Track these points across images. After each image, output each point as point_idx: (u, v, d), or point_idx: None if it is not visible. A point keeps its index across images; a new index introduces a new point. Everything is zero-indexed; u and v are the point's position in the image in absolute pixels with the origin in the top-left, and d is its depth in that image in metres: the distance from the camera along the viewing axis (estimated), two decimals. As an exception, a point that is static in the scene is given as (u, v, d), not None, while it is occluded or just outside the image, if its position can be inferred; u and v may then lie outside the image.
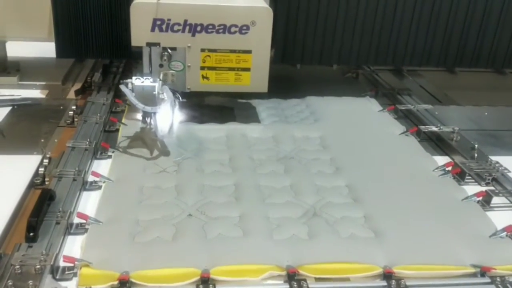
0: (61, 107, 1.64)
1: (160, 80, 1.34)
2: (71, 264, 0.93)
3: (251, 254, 0.99)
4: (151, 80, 1.28)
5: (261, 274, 0.95)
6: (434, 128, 1.61)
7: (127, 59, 1.95)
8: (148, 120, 1.35)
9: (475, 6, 1.81)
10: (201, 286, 0.88)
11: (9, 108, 1.61)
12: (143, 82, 1.27)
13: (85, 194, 1.19)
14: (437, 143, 1.57)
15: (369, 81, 2.11)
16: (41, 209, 1.02)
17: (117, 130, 1.51)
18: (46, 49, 1.84)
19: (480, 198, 1.23)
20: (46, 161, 1.26)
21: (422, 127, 1.62)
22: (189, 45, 1.40)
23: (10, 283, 0.84)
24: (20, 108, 1.62)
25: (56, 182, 1.17)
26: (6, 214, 1.06)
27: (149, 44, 1.38)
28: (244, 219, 1.11)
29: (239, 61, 1.44)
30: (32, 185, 1.19)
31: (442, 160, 1.44)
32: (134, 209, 1.11)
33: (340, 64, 2.02)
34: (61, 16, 1.66)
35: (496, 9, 1.83)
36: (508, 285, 0.94)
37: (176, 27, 1.38)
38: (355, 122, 1.66)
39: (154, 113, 1.28)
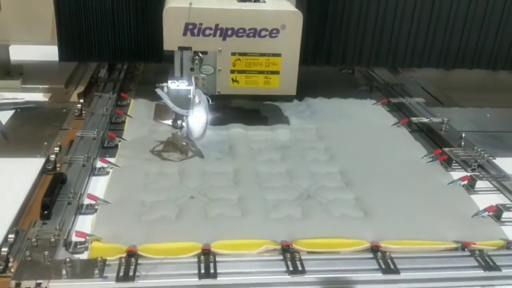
0: (64, 110, 1.66)
1: (194, 83, 1.36)
2: (83, 239, 1.01)
3: (249, 230, 1.07)
4: (186, 83, 1.31)
5: (258, 248, 1.02)
6: (424, 120, 1.68)
7: (129, 62, 2.01)
8: (179, 123, 1.38)
9: (476, 7, 1.84)
10: (202, 257, 0.95)
11: (12, 112, 1.62)
12: (178, 85, 1.30)
13: (93, 179, 1.27)
14: (427, 133, 1.65)
15: (365, 77, 2.19)
16: (54, 190, 1.10)
17: (123, 122, 1.59)
18: (49, 52, 1.86)
19: (465, 182, 1.31)
20: (57, 148, 1.34)
21: (413, 118, 1.69)
22: (220, 49, 1.44)
23: (28, 254, 0.92)
24: (23, 112, 1.63)
25: (67, 167, 1.26)
26: (22, 196, 1.14)
27: (181, 48, 1.42)
28: (242, 200, 1.19)
29: (268, 64, 1.47)
30: (44, 171, 1.27)
31: (431, 149, 1.52)
32: (140, 192, 1.19)
33: (340, 65, 2.03)
34: (63, 20, 1.69)
35: (498, 7, 1.85)
36: (486, 257, 1.01)
37: (207, 31, 1.42)
38: (349, 115, 1.74)
39: (187, 116, 1.31)
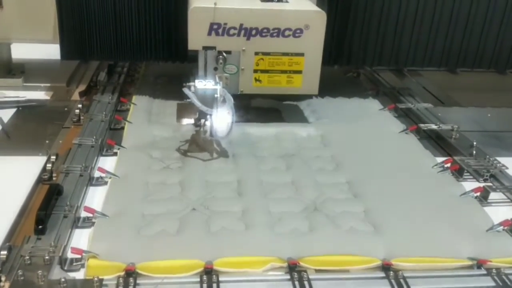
0: (66, 109, 1.65)
1: (219, 83, 1.35)
2: (79, 256, 0.96)
3: (253, 246, 1.02)
4: (213, 83, 1.32)
5: (263, 265, 0.97)
6: (433, 126, 1.63)
7: (131, 61, 1.97)
8: (202, 122, 1.39)
9: (477, 7, 1.81)
10: (204, 277, 0.90)
11: (14, 110, 1.62)
12: (205, 85, 1.30)
13: (91, 189, 1.22)
14: (437, 141, 1.59)
15: (370, 81, 2.14)
16: (49, 202, 1.06)
17: (122, 128, 1.54)
18: (51, 51, 1.84)
19: (478, 194, 1.26)
20: (53, 157, 1.29)
21: (421, 125, 1.64)
22: (243, 48, 1.45)
23: (20, 273, 0.87)
24: (25, 110, 1.64)
25: (63, 177, 1.21)
26: (15, 208, 1.09)
27: (206, 48, 1.42)
28: (246, 213, 1.14)
29: (291, 64, 1.48)
30: (40, 181, 1.22)
31: (441, 157, 1.47)
32: (140, 204, 1.14)
33: (342, 65, 1.99)
34: (65, 18, 1.67)
35: (501, 7, 1.83)
36: (504, 276, 0.96)
37: (232, 31, 1.42)
38: (356, 120, 1.68)
39: (210, 115, 1.31)
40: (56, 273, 0.90)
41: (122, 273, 0.92)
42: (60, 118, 1.58)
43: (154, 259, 0.96)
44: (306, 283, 0.90)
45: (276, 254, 0.99)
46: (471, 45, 1.87)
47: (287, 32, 1.45)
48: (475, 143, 1.49)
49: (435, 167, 1.40)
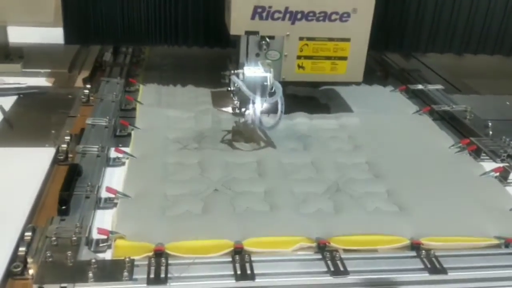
0: (70, 96, 1.57)
1: (271, 70, 1.28)
2: (105, 237, 0.93)
3: (280, 227, 1.00)
4: (262, 70, 1.26)
5: (292, 245, 0.96)
6: (446, 107, 1.62)
7: (140, 44, 1.91)
8: (248, 111, 1.32)
9: None
10: (237, 257, 0.89)
11: (15, 97, 1.52)
12: (254, 72, 1.25)
13: (108, 170, 1.19)
14: (450, 122, 1.59)
15: (378, 63, 2.12)
16: (71, 183, 1.03)
17: (133, 109, 1.51)
18: (49, 35, 1.78)
19: (498, 174, 1.25)
20: (67, 137, 1.26)
21: (434, 106, 1.63)
22: (288, 33, 1.38)
23: (49, 254, 0.85)
24: (27, 97, 1.55)
25: (80, 158, 1.18)
26: (34, 190, 1.07)
27: (248, 33, 1.36)
28: (269, 194, 1.12)
29: (336, 49, 1.42)
30: (55, 162, 1.19)
31: (456, 138, 1.46)
32: (161, 185, 1.12)
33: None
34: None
35: None
36: (532, 255, 0.96)
37: (276, 15, 1.36)
38: (368, 102, 1.67)
39: (254, 103, 1.26)
40: (85, 254, 0.88)
41: (151, 254, 0.90)
42: (64, 106, 1.50)
43: (182, 239, 0.94)
44: (338, 262, 0.89)
45: (302, 234, 0.98)
46: (475, 28, 1.84)
47: (333, 16, 1.38)
48: (490, 123, 1.48)
49: (452, 147, 1.39)
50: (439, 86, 1.82)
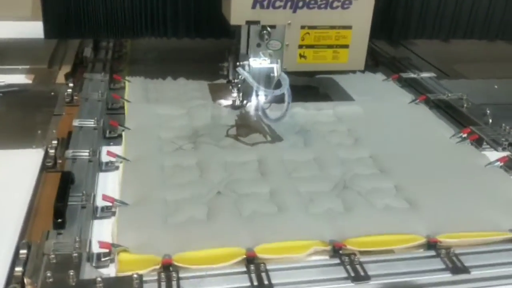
0: (52, 93, 1.48)
1: (278, 61, 1.25)
2: (107, 250, 0.87)
3: (291, 230, 0.95)
4: (269, 61, 1.22)
5: (306, 250, 0.91)
6: (443, 96, 1.59)
7: (124, 37, 1.80)
8: (249, 103, 1.29)
9: None
10: (252, 266, 0.83)
11: None
12: (260, 63, 1.21)
13: (102, 175, 1.12)
14: (447, 110, 1.56)
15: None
16: (66, 193, 0.95)
17: (121, 107, 1.43)
18: (23, 29, 1.69)
19: (502, 164, 1.23)
20: (55, 141, 1.18)
21: (429, 95, 1.61)
22: (289, 22, 1.36)
23: (49, 274, 0.78)
24: (7, 96, 1.45)
25: (71, 164, 1.10)
26: (24, 201, 0.99)
27: (249, 23, 1.31)
28: (274, 194, 1.07)
29: (338, 37, 1.41)
30: (44, 169, 1.11)
31: (455, 127, 1.43)
32: (160, 189, 1.05)
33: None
34: None
35: None
36: (551, 248, 0.93)
37: (277, 3, 1.33)
38: (363, 92, 1.63)
39: (257, 95, 1.22)
40: (88, 272, 0.81)
41: (158, 267, 0.84)
42: (47, 104, 1.41)
43: (189, 249, 0.89)
44: (358, 266, 0.85)
45: (315, 237, 0.94)
46: (463, 15, 1.85)
47: (335, 3, 1.37)
48: (488, 111, 1.46)
49: (452, 137, 1.36)
50: (431, 74, 1.79)
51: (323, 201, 1.05)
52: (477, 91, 1.69)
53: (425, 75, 1.77)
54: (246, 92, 1.25)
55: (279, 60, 1.23)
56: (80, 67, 1.72)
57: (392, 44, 2.13)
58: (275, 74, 1.20)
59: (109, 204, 0.99)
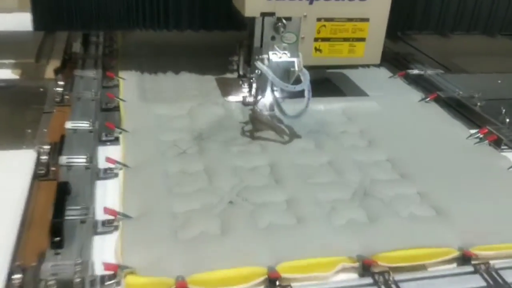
0: (41, 89, 1.38)
1: (300, 54, 1.18)
2: (112, 272, 0.77)
3: (315, 244, 0.87)
4: (289, 55, 1.15)
5: (333, 267, 0.83)
6: (453, 94, 1.52)
7: (118, 29, 1.70)
8: (262, 99, 1.21)
9: None
10: (278, 289, 0.75)
11: None
12: (280, 57, 1.15)
13: (99, 183, 1.02)
14: (458, 109, 1.49)
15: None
16: (63, 207, 0.85)
17: (116, 107, 1.33)
18: (4, 21, 1.60)
19: (526, 167, 1.17)
20: (47, 147, 1.07)
21: (439, 93, 1.53)
22: (305, 14, 1.29)
23: (48, 304, 0.68)
24: None
25: (66, 171, 0.99)
26: (16, 215, 0.88)
27: (264, 14, 1.23)
28: (292, 204, 0.98)
29: (355, 30, 1.36)
30: (36, 177, 1.00)
31: (469, 127, 1.36)
32: (166, 200, 0.96)
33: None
34: None
35: None
36: None
37: None
38: (370, 90, 1.55)
39: (274, 90, 1.17)
40: (93, 299, 0.72)
41: (172, 291, 0.75)
42: (37, 101, 1.32)
43: (204, 268, 0.79)
44: (393, 286, 0.77)
45: (341, 252, 0.85)
46: (467, 9, 1.77)
47: None
48: (504, 110, 1.39)
49: (469, 138, 1.29)
50: (438, 71, 1.72)
51: (345, 211, 0.97)
52: (483, 87, 1.63)
53: (431, 71, 1.70)
54: (260, 87, 1.18)
55: (300, 54, 1.16)
56: (69, 63, 1.60)
57: (391, 38, 2.06)
58: (296, 69, 1.13)
59: (111, 217, 0.89)
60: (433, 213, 0.99)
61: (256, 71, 1.16)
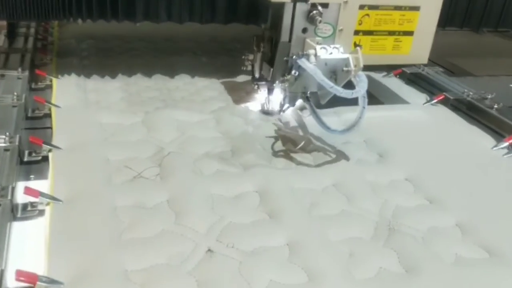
0: None
1: (360, 47, 0.93)
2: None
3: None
4: (341, 50, 0.91)
5: None
6: (464, 96, 1.29)
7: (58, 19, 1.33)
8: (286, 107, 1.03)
9: None
10: None
11: None
12: (331, 53, 0.91)
13: (16, 225, 0.70)
14: (469, 113, 1.25)
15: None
16: None
17: (46, 115, 1.01)
18: None
19: None
20: None
21: (447, 94, 1.30)
22: (345, 0, 1.06)
23: None
24: None
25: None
26: None
27: (295, 0, 0.99)
28: (295, 249, 0.70)
29: (402, 21, 1.13)
30: None
31: (486, 134, 1.13)
32: (115, 253, 0.65)
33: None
34: None
35: None
36: None
37: None
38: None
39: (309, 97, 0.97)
40: None
41: None
42: None
43: None
44: None
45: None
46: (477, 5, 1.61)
47: None
48: (524, 112, 1.17)
49: (495, 148, 1.06)
50: (437, 68, 1.49)
51: (370, 257, 0.69)
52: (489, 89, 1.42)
53: (430, 70, 1.47)
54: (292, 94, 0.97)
55: (358, 48, 0.89)
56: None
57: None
58: (352, 68, 0.87)
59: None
60: (485, 255, 0.73)
61: (293, 71, 0.93)
